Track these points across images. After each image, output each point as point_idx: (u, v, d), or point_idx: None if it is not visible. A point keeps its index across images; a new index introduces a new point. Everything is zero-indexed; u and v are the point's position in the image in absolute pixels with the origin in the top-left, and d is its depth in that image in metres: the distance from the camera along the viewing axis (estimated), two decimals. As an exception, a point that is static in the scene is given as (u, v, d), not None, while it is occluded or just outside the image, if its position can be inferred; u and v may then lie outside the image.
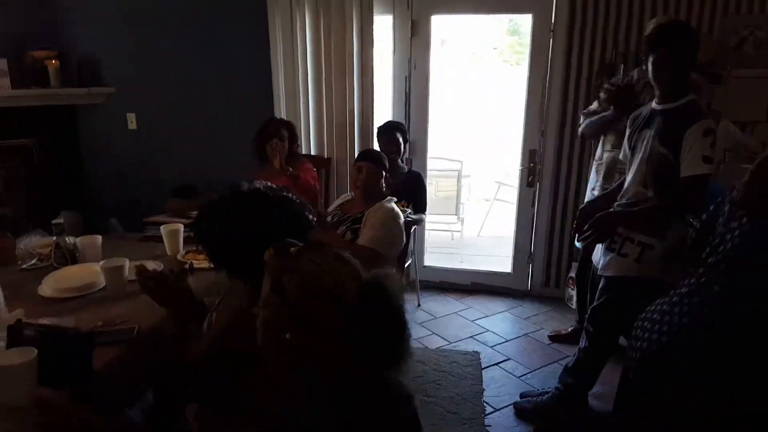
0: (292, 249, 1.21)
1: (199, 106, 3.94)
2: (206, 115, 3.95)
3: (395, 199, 2.68)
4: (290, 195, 1.58)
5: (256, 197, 1.51)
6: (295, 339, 1.15)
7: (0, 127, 3.52)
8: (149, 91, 3.99)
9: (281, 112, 3.76)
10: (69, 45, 3.91)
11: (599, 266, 2.40)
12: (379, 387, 1.19)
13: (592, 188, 3.06)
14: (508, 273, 4.07)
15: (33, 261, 2.22)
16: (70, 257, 2.23)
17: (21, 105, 3.70)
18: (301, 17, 3.62)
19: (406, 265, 3.45)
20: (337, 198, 3.34)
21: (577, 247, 3.30)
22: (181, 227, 2.41)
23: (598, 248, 2.44)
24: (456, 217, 5.18)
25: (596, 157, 3.10)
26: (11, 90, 3.57)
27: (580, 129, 3.12)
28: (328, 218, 2.73)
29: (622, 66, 3.34)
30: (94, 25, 3.91)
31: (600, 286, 2.43)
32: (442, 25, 4.73)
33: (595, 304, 2.44)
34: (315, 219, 1.61)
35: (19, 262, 2.19)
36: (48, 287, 1.99)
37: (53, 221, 2.24)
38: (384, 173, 2.69)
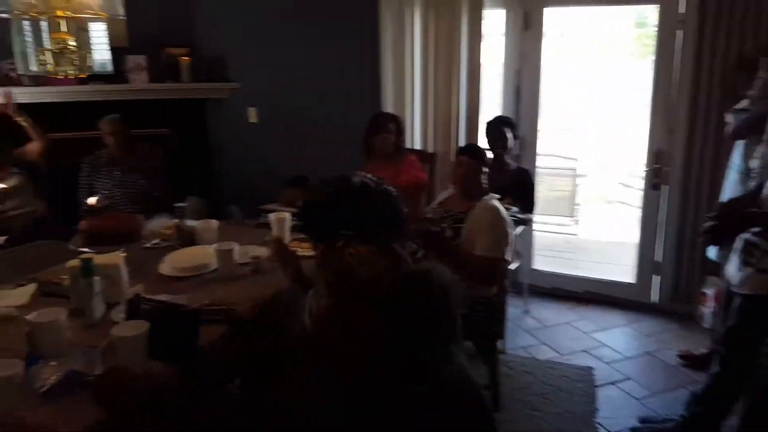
0: (339, 243, 1.26)
1: (314, 100, 4.05)
2: (319, 110, 4.06)
3: (497, 196, 2.55)
4: (391, 189, 1.61)
5: (360, 190, 1.56)
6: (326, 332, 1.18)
7: (140, 118, 3.85)
8: (269, 87, 4.17)
9: (389, 106, 3.75)
10: (200, 43, 4.19)
11: (734, 283, 2.10)
12: (398, 391, 1.16)
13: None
14: (630, 283, 3.74)
15: (156, 241, 2.39)
16: (189, 239, 2.37)
17: (157, 98, 4.05)
18: (411, 12, 3.59)
19: (511, 267, 3.28)
20: (439, 194, 3.26)
21: (711, 259, 2.94)
22: (288, 216, 2.47)
23: (733, 262, 2.14)
24: (571, 218, 4.88)
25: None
26: (149, 84, 3.91)
27: (729, 128, 2.76)
28: (429, 215, 2.66)
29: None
30: (222, 24, 4.16)
31: (735, 304, 2.13)
32: (559, 18, 4.47)
33: (729, 324, 2.15)
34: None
35: (144, 241, 2.36)
36: (167, 266, 2.12)
37: (176, 205, 2.40)
38: (484, 169, 2.56)
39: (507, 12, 3.61)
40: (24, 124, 3.34)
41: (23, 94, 3.66)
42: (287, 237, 2.44)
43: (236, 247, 2.11)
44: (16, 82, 3.70)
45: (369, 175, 1.64)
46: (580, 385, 2.78)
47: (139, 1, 3.75)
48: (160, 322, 1.45)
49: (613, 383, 2.85)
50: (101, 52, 1.71)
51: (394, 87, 3.76)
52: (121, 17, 1.70)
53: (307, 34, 3.96)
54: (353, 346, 1.17)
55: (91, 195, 3.47)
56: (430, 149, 3.75)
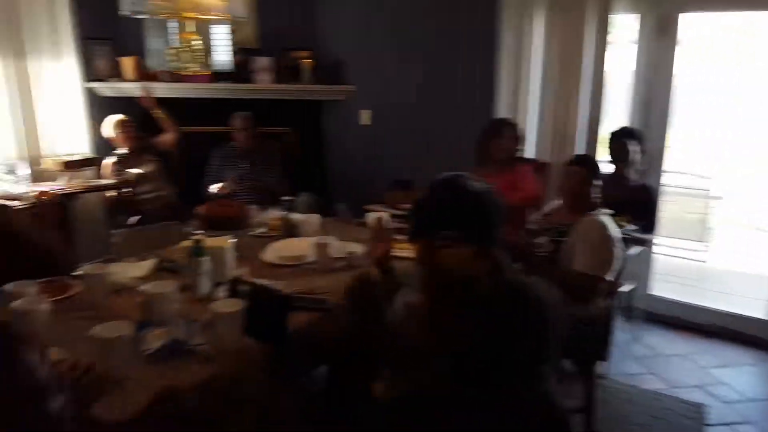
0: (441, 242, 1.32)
1: (426, 105, 4.07)
2: (431, 115, 4.07)
3: (609, 212, 2.37)
4: (496, 193, 1.60)
5: (467, 192, 1.56)
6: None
7: (263, 116, 4.11)
8: (384, 90, 4.26)
9: (503, 113, 3.66)
10: (321, 46, 4.37)
11: None
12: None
13: None
14: (762, 320, 3.33)
15: (263, 230, 2.52)
16: (293, 231, 2.48)
17: (279, 98, 4.29)
18: (533, 16, 3.48)
19: (623, 290, 3.05)
20: (547, 204, 3.12)
21: None
22: (386, 215, 2.50)
23: None
24: (701, 243, 4.44)
25: None
26: (273, 84, 4.16)
27: None
28: (532, 226, 2.55)
29: None
30: (343, 28, 4.31)
31: None
32: (697, 23, 4.10)
33: None
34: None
35: (252, 229, 2.50)
36: (269, 254, 2.24)
37: (282, 198, 2.53)
38: (595, 181, 2.40)
39: (641, 17, 3.38)
40: (160, 116, 3.70)
41: (160, 89, 4.06)
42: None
43: (333, 242, 2.17)
44: (156, 77, 4.11)
45: (477, 178, 1.62)
46: (688, 422, 2.52)
47: (271, 6, 4.01)
48: (253, 302, 1.53)
49: (728, 424, 2.54)
50: (223, 52, 1.84)
51: (510, 93, 3.66)
52: (243, 19, 1.82)
53: (424, 38, 3.99)
54: (439, 345, 1.16)
55: (217, 183, 3.77)
56: (545, 159, 3.60)
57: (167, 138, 3.76)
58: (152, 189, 3.76)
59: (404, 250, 2.27)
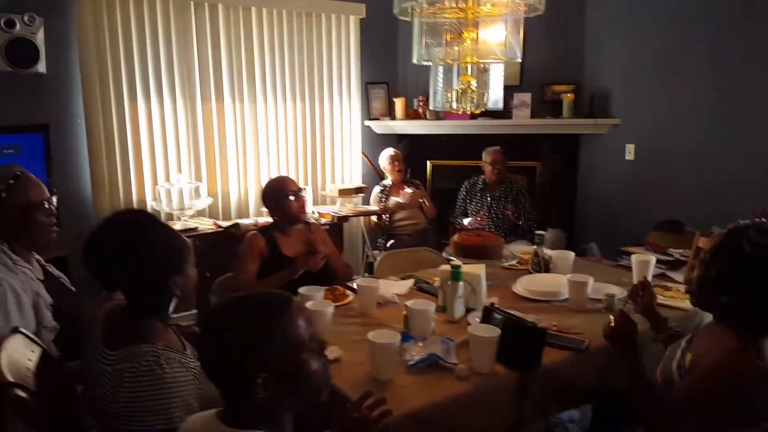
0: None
1: (696, 143, 3.71)
2: (702, 153, 3.68)
3: None
4: None
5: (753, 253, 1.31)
6: None
7: (516, 150, 4.18)
8: (650, 126, 3.97)
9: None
10: (586, 80, 4.28)
11: None
12: None
13: None
14: None
15: (513, 262, 2.56)
16: (544, 266, 2.46)
17: (535, 132, 4.31)
18: None
19: None
20: None
21: None
22: (653, 259, 2.31)
23: None
24: None
25: None
26: (529, 119, 4.21)
27: None
28: None
29: None
30: (611, 60, 4.15)
31: None
32: None
33: None
34: None
35: (503, 260, 2.55)
36: (521, 286, 2.26)
37: (537, 233, 2.53)
38: None
39: None
40: (426, 203, 4.07)
41: (424, 126, 4.48)
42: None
43: (590, 281, 2.09)
44: (421, 116, 4.51)
45: None
46: None
47: (534, 42, 4.10)
48: (510, 331, 1.57)
49: None
50: (496, 92, 1.97)
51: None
52: (518, 61, 1.92)
53: (697, 70, 3.65)
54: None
55: (465, 215, 3.96)
56: None
57: (428, 212, 4.11)
58: (408, 216, 4.12)
59: (674, 299, 2.09)
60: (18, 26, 3.02)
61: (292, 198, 2.50)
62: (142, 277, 1.31)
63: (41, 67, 3.12)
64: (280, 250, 2.49)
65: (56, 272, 1.92)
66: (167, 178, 3.69)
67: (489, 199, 3.90)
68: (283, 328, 1.01)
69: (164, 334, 1.34)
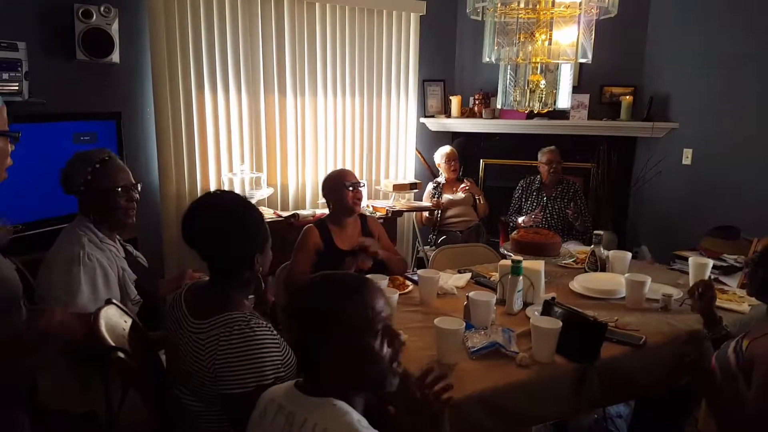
0: None
1: (755, 149, 3.65)
2: (760, 160, 3.62)
3: None
4: None
5: None
6: None
7: (571, 151, 4.19)
8: (711, 129, 3.91)
9: None
10: (645, 82, 4.24)
11: None
12: None
13: None
14: None
15: (569, 260, 2.61)
16: (601, 265, 2.50)
17: (592, 134, 4.30)
18: None
19: None
20: None
21: None
22: (711, 263, 2.33)
23: None
24: None
25: None
26: (586, 120, 4.21)
27: None
28: None
29: None
30: (671, 63, 4.11)
31: None
32: None
33: None
34: None
35: (560, 258, 2.60)
36: (578, 284, 2.32)
37: (595, 232, 2.57)
38: None
39: None
40: (480, 201, 4.15)
41: (478, 125, 4.54)
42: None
43: (648, 281, 2.13)
44: (477, 114, 4.56)
45: None
46: None
47: (596, 43, 4.09)
48: (571, 324, 1.64)
49: None
50: (564, 92, 2.03)
51: None
52: (588, 61, 1.97)
53: (762, 78, 3.59)
54: None
55: (519, 213, 4.01)
56: None
57: (482, 210, 4.17)
58: (460, 213, 4.18)
59: (730, 302, 2.12)
60: (95, 17, 3.10)
61: (350, 189, 2.58)
62: (233, 251, 1.42)
63: (115, 56, 3.22)
64: (334, 244, 2.57)
65: (135, 252, 2.08)
66: (230, 169, 3.84)
67: (545, 199, 3.93)
68: (356, 304, 1.07)
69: (248, 306, 1.47)
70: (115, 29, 3.21)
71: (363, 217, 2.75)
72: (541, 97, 1.94)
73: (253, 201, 3.71)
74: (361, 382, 1.09)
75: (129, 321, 1.69)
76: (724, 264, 2.64)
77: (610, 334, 1.76)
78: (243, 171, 3.77)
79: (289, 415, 1.06)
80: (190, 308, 1.45)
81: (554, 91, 1.96)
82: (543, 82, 1.94)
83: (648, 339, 1.80)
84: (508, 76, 2.10)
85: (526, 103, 1.97)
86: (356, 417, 1.03)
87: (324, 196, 2.71)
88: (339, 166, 4.16)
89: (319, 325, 1.06)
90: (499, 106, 2.22)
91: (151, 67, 3.50)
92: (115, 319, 1.66)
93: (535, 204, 3.97)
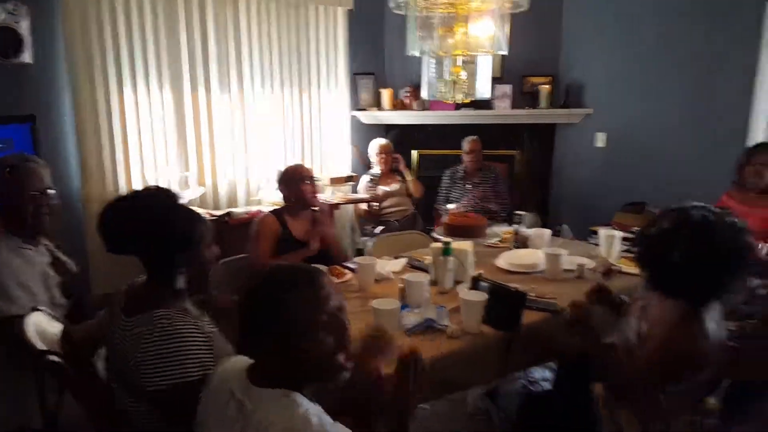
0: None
1: (665, 130, 4.02)
2: (670, 139, 3.99)
3: None
4: (748, 244, 1.44)
5: (699, 226, 1.43)
6: None
7: (495, 140, 4.41)
8: (621, 115, 4.26)
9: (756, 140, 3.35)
10: (562, 72, 4.53)
11: None
12: None
13: None
14: None
15: (495, 240, 2.79)
16: (524, 243, 2.70)
17: (514, 122, 4.55)
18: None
19: None
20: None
21: None
22: (618, 234, 2.56)
23: None
24: None
25: None
26: (510, 110, 4.45)
27: None
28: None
29: None
30: (586, 53, 4.42)
31: None
32: None
33: None
34: None
35: (487, 239, 2.78)
36: (502, 261, 2.51)
37: (516, 213, 2.77)
38: None
39: None
40: (408, 177, 4.25)
41: (409, 117, 4.69)
42: (615, 255, 2.53)
43: (564, 253, 2.33)
44: (408, 107, 4.70)
45: (713, 208, 1.49)
46: None
47: (514, 37, 4.32)
48: (495, 295, 1.80)
49: None
50: (484, 82, 2.18)
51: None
52: (503, 53, 2.12)
53: (669, 62, 3.95)
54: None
55: (447, 202, 4.18)
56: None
57: (415, 191, 4.30)
58: (396, 204, 4.31)
59: (631, 266, 2.34)
60: (2, 15, 2.90)
61: (307, 183, 2.68)
62: (154, 250, 1.43)
63: (26, 56, 3.02)
64: (291, 233, 2.67)
65: (63, 257, 2.12)
66: (156, 168, 3.67)
67: (470, 186, 4.13)
68: (298, 295, 1.08)
69: (179, 302, 1.43)
70: (25, 27, 3.00)
71: (316, 210, 2.84)
72: (463, 89, 2.07)
73: (183, 201, 3.65)
74: (306, 373, 1.11)
75: (58, 326, 1.72)
76: (633, 236, 2.90)
77: (531, 303, 1.93)
78: (168, 171, 3.67)
79: (240, 404, 1.08)
80: (123, 306, 1.43)
81: (473, 83, 2.11)
82: (464, 73, 2.08)
83: (564, 306, 1.98)
84: (432, 68, 2.23)
85: (450, 95, 2.10)
86: (305, 408, 1.05)
87: (281, 190, 2.78)
88: (272, 163, 4.16)
89: (261, 316, 1.08)
90: (424, 97, 2.34)
91: (67, 66, 3.28)
92: (43, 326, 1.68)
93: (460, 191, 4.16)
